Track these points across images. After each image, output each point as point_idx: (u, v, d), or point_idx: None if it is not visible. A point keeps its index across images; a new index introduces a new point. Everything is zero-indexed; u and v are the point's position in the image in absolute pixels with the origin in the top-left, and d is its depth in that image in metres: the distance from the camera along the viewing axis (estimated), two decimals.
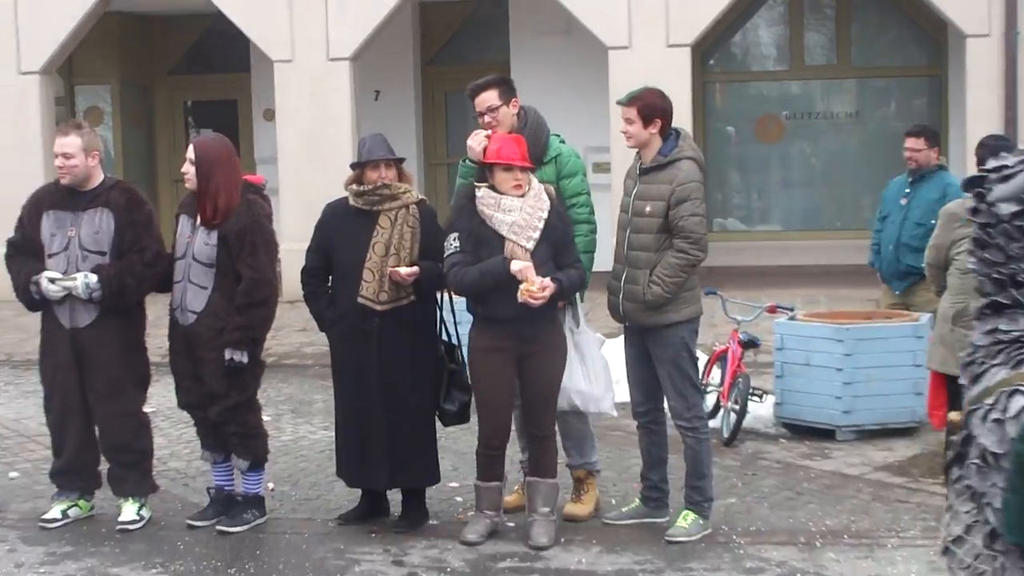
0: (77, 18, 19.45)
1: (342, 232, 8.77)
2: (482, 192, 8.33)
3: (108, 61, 22.50)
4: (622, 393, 9.13)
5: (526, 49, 19.55)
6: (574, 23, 17.94)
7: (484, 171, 8.51)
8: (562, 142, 9.15)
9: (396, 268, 8.50)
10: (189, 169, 8.74)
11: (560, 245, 8.42)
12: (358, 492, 9.05)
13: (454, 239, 8.36)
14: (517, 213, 8.32)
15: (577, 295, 8.80)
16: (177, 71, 23.26)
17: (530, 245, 8.28)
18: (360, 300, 8.59)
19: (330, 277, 8.91)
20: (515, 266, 8.18)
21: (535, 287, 8.14)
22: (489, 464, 8.66)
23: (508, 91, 9.07)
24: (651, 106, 8.47)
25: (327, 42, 18.49)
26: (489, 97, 9.01)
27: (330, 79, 18.59)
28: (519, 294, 8.12)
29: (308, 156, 18.25)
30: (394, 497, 9.09)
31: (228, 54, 20.93)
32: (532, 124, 9.01)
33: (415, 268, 8.55)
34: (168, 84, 23.38)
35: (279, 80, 18.95)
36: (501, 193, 8.35)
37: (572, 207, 8.86)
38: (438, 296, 8.92)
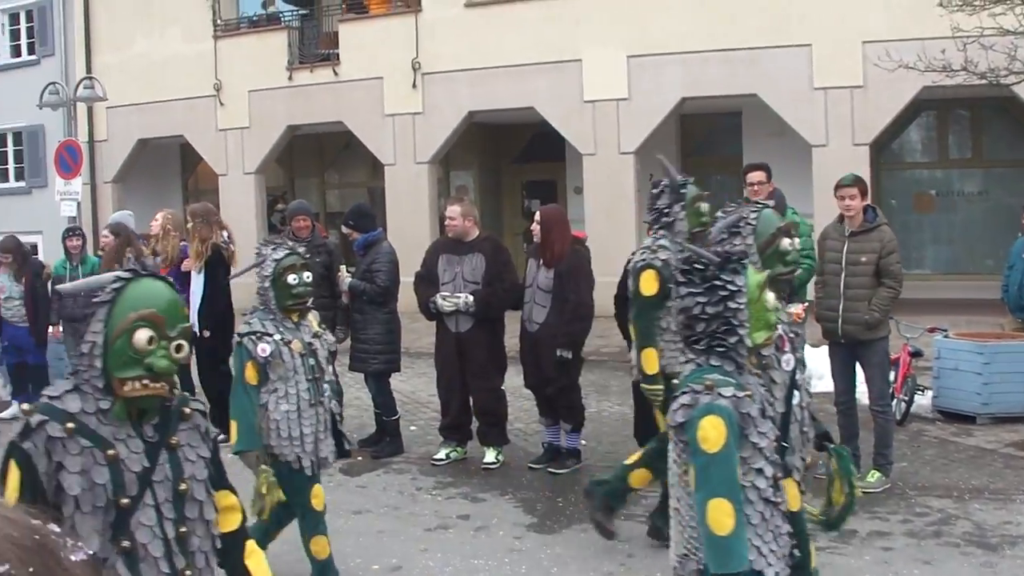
0: (452, 128, 19.78)
1: None
2: None
3: (471, 154, 22.80)
4: (826, 385, 8.85)
5: (754, 146, 19.08)
6: (787, 128, 17.52)
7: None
8: (795, 213, 8.98)
9: None
10: (536, 228, 8.77)
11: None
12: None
13: None
14: None
15: None
16: (516, 160, 23.42)
17: None
18: None
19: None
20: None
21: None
22: None
23: (769, 175, 9.25)
24: (865, 187, 8.40)
25: (618, 142, 18.41)
26: (758, 176, 9.20)
27: (620, 167, 18.42)
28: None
29: (606, 219, 18.10)
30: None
31: (550, 149, 20.99)
32: (777, 199, 8.91)
33: None
34: (510, 170, 23.57)
35: (586, 167, 18.82)
36: None
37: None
38: None
